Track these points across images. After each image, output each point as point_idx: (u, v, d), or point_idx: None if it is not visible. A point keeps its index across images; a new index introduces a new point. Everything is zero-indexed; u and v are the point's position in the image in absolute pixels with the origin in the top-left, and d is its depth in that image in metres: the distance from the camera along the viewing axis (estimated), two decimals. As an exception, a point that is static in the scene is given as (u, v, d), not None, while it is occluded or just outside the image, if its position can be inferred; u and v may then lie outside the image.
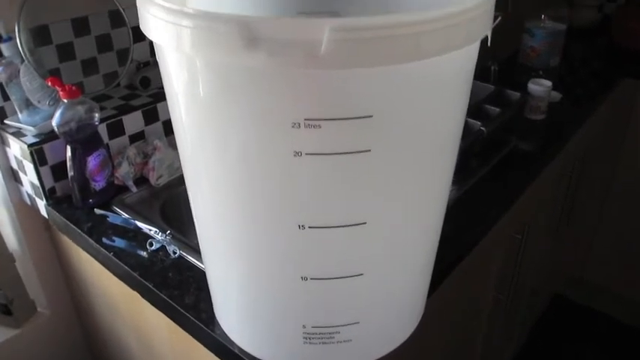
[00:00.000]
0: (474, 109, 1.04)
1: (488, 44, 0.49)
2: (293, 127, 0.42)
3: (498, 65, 1.32)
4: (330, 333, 0.56)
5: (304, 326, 0.55)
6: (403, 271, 0.56)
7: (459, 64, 0.46)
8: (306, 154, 0.43)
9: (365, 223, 0.48)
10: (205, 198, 0.53)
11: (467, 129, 0.99)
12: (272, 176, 0.45)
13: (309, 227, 0.47)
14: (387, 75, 0.41)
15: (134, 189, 0.94)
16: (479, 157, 1.01)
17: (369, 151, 0.43)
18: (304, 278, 0.51)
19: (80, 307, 1.13)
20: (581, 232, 1.72)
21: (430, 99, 0.45)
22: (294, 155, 0.43)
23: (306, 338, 0.56)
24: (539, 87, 1.16)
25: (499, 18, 0.53)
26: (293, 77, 0.40)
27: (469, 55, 0.46)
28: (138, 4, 0.45)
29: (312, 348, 0.57)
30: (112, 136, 0.96)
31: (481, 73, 1.23)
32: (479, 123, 0.98)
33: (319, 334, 0.56)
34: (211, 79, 0.43)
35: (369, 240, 0.50)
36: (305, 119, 0.41)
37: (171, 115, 0.52)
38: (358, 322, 0.56)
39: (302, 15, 0.67)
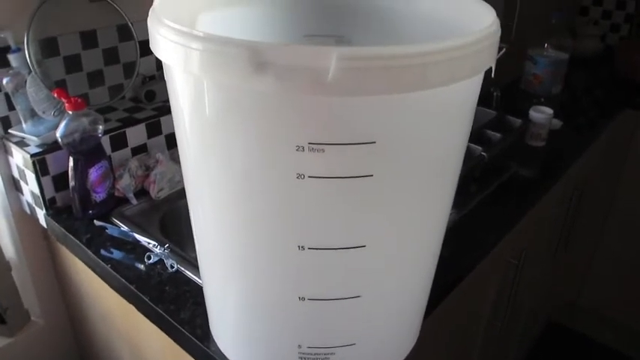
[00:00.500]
0: (476, 134, 1.05)
1: (492, 75, 0.50)
2: (297, 150, 0.42)
3: (500, 91, 1.33)
4: (325, 354, 0.56)
5: (300, 346, 0.55)
6: (401, 293, 0.57)
7: (464, 94, 0.47)
8: (309, 176, 0.44)
9: (364, 246, 0.48)
10: (206, 214, 0.53)
11: (468, 154, 0.99)
12: (274, 197, 0.46)
13: (309, 248, 0.48)
14: (391, 103, 0.42)
15: (134, 201, 0.94)
16: (479, 182, 1.02)
17: (372, 176, 0.44)
18: (302, 298, 0.51)
19: (75, 318, 1.12)
20: (579, 258, 1.72)
21: (433, 127, 0.45)
22: (297, 177, 0.44)
23: (301, 358, 0.56)
24: (541, 114, 1.17)
25: (503, 49, 0.54)
26: (299, 102, 0.41)
27: (473, 85, 0.47)
28: (149, 25, 0.46)
29: (306, 369, 0.57)
30: (114, 148, 0.97)
31: (483, 98, 1.24)
32: (480, 148, 0.99)
33: (314, 354, 0.56)
34: (218, 99, 0.44)
35: (368, 263, 0.50)
36: (309, 143, 0.42)
37: (176, 131, 0.53)
38: (354, 344, 0.56)
39: (308, 37, 0.69)
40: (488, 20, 0.48)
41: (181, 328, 0.68)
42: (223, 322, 0.62)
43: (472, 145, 1.00)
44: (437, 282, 0.66)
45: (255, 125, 0.43)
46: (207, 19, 0.61)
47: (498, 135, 1.04)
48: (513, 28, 1.32)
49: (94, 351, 1.11)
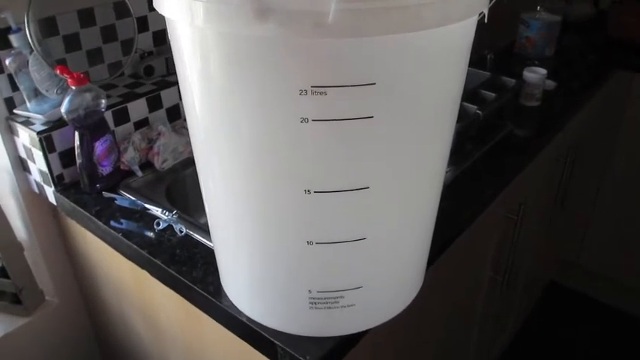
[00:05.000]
0: (471, 94, 1.07)
1: (485, 21, 0.52)
2: (300, 94, 0.45)
3: (494, 54, 1.35)
4: (334, 297, 0.58)
5: (310, 291, 0.58)
6: (403, 236, 0.59)
7: (458, 37, 0.49)
8: (312, 120, 0.46)
9: (368, 187, 0.51)
10: (215, 168, 0.55)
11: (463, 112, 1.03)
12: (279, 142, 0.48)
13: (315, 192, 0.50)
14: (389, 44, 0.44)
15: (140, 173, 0.96)
16: (475, 141, 1.04)
17: (372, 117, 0.46)
18: (310, 242, 0.54)
19: (88, 294, 1.15)
20: (576, 217, 1.75)
21: (430, 69, 0.48)
22: (301, 122, 0.46)
23: (312, 303, 0.59)
24: (534, 74, 1.19)
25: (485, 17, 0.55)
26: (301, 46, 0.43)
27: (466, 30, 0.49)
28: None
29: (317, 313, 0.60)
30: (117, 123, 0.99)
31: (478, 60, 1.26)
32: (475, 107, 1.01)
33: (324, 298, 0.58)
34: (223, 50, 0.46)
35: (372, 205, 0.52)
36: (312, 86, 0.44)
37: (181, 91, 0.55)
38: (361, 287, 0.59)
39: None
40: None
41: (194, 287, 0.71)
42: (235, 275, 0.65)
43: (467, 104, 1.02)
44: (439, 234, 0.69)
45: (260, 72, 0.45)
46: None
47: (493, 95, 1.06)
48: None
49: (108, 325, 1.14)
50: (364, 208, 0.52)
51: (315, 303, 0.59)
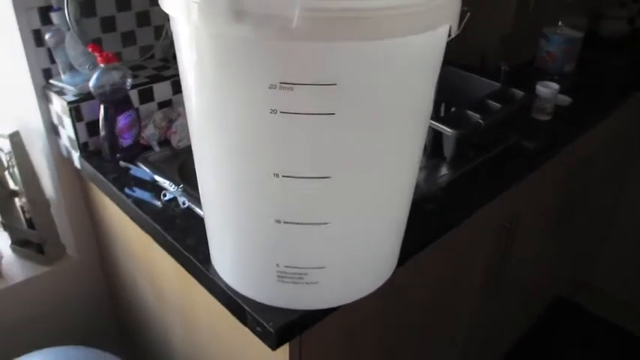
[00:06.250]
0: (477, 103, 1.11)
1: (452, 35, 0.57)
2: (270, 88, 0.51)
3: (516, 67, 1.38)
4: (299, 274, 0.65)
5: (278, 265, 0.64)
6: (368, 226, 0.65)
7: (420, 49, 0.54)
8: (281, 112, 0.52)
9: (330, 177, 0.57)
10: (205, 146, 0.63)
11: (466, 120, 1.07)
12: (253, 129, 0.55)
13: (283, 176, 0.57)
14: (351, 50, 0.49)
15: (157, 148, 1.05)
16: (477, 148, 1.08)
17: (334, 114, 0.52)
18: (278, 221, 0.60)
19: (103, 254, 1.25)
20: (590, 235, 1.75)
21: (390, 76, 0.53)
22: (271, 112, 0.52)
23: (279, 276, 0.66)
24: (546, 89, 1.21)
25: (467, 14, 0.60)
26: (272, 46, 0.49)
27: (429, 42, 0.54)
28: None
29: (284, 286, 0.66)
30: (142, 102, 1.07)
31: (493, 72, 1.29)
32: (478, 115, 1.05)
33: (290, 273, 0.65)
34: (210, 46, 0.53)
35: (334, 192, 0.58)
36: (280, 82, 0.50)
37: (181, 79, 0.62)
38: (324, 267, 0.65)
39: None
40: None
41: (185, 252, 0.79)
42: (218, 247, 0.72)
43: (471, 112, 1.06)
44: (421, 231, 0.77)
45: (237, 67, 0.52)
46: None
47: (498, 105, 1.10)
48: (530, 7, 1.35)
49: (119, 283, 1.24)
50: (326, 196, 0.58)
51: (282, 277, 0.65)
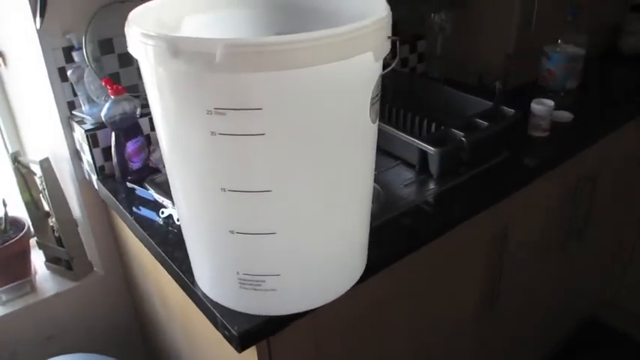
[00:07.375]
0: (464, 122, 1.15)
1: (375, 60, 0.62)
2: (207, 113, 0.59)
3: (515, 85, 1.40)
4: (257, 281, 0.71)
5: (238, 272, 0.71)
6: (315, 235, 0.71)
7: (334, 75, 0.59)
8: (219, 134, 0.60)
9: (270, 190, 0.63)
10: (172, 167, 0.71)
11: (452, 138, 1.11)
12: (198, 149, 0.63)
13: (229, 190, 0.64)
14: (269, 79, 0.57)
15: (164, 171, 1.15)
16: (466, 165, 1.11)
17: (264, 134, 0.59)
18: (232, 232, 0.68)
19: (126, 269, 1.36)
20: (610, 256, 1.71)
21: (308, 99, 0.59)
22: (211, 134, 0.60)
23: (240, 283, 0.72)
24: (540, 106, 1.23)
25: (397, 42, 0.66)
26: (204, 78, 0.57)
27: (346, 68, 0.60)
28: (125, 32, 0.63)
29: (246, 293, 0.73)
30: (152, 129, 1.18)
31: (489, 91, 1.32)
32: (462, 134, 1.09)
33: (249, 281, 0.72)
34: (162, 79, 0.61)
35: (276, 205, 0.65)
36: (214, 108, 0.58)
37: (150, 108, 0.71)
38: (279, 275, 0.71)
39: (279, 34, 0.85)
40: (381, 13, 0.61)
41: (172, 264, 0.87)
42: (192, 257, 0.80)
43: (455, 130, 1.10)
44: (397, 240, 0.81)
45: (183, 96, 0.60)
46: (192, 22, 0.79)
47: (485, 123, 1.13)
48: (532, 26, 1.37)
49: (139, 298, 1.34)
50: (270, 207, 0.65)
51: (243, 283, 0.72)
